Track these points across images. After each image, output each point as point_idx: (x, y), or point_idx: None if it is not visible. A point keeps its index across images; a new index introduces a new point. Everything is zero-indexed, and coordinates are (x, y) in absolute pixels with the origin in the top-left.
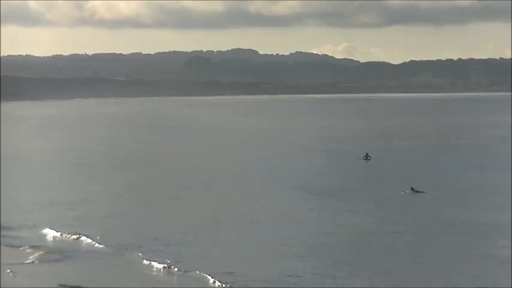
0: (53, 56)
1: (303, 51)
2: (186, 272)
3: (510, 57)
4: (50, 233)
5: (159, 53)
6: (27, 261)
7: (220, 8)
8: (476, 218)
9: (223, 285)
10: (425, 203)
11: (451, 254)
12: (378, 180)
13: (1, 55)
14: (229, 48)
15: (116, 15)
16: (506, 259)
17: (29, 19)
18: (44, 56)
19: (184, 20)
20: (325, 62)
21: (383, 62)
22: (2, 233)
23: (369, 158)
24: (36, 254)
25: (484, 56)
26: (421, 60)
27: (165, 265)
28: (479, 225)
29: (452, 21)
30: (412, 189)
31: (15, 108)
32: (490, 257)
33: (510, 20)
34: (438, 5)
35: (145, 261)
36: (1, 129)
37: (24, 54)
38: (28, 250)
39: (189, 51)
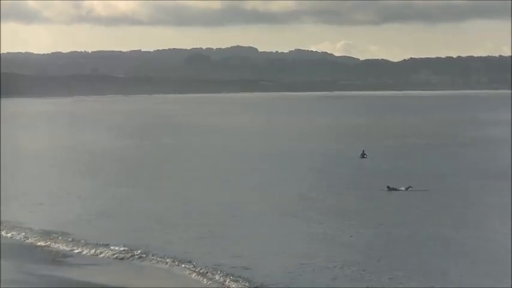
0: (52, 53)
1: (302, 48)
2: (193, 269)
3: (509, 54)
4: (50, 232)
5: (158, 50)
6: (27, 260)
7: (216, 5)
8: (458, 222)
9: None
10: (395, 203)
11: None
12: (366, 179)
13: (1, 52)
14: (229, 46)
15: (113, 13)
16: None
17: (26, 16)
18: (44, 53)
19: (181, 18)
20: (325, 60)
21: (382, 60)
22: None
23: (365, 156)
24: (37, 253)
25: (483, 54)
26: (421, 58)
27: (171, 263)
28: (455, 230)
29: (447, 19)
30: (388, 187)
31: (13, 105)
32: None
33: (510, 17)
34: (432, 3)
35: (148, 262)
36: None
37: (23, 51)
38: (28, 248)
39: (189, 48)
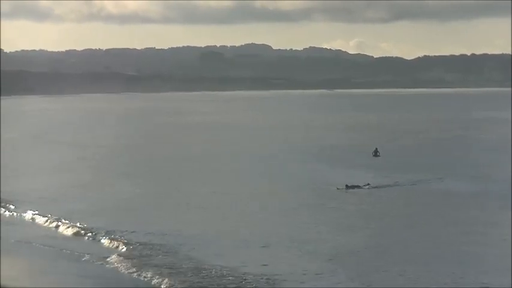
0: (66, 50)
1: (316, 46)
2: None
3: None
4: (51, 227)
5: (172, 48)
6: (27, 256)
7: (226, 4)
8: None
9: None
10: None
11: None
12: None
13: (14, 50)
14: (243, 43)
15: (124, 11)
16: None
17: (37, 14)
18: (58, 51)
19: (192, 16)
20: (339, 57)
21: (396, 58)
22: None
23: (378, 154)
24: (38, 249)
25: (497, 52)
26: (435, 56)
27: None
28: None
29: (459, 17)
30: (346, 186)
31: (23, 103)
32: None
33: None
34: (444, 1)
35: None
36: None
37: (37, 49)
38: (28, 244)
39: (203, 46)
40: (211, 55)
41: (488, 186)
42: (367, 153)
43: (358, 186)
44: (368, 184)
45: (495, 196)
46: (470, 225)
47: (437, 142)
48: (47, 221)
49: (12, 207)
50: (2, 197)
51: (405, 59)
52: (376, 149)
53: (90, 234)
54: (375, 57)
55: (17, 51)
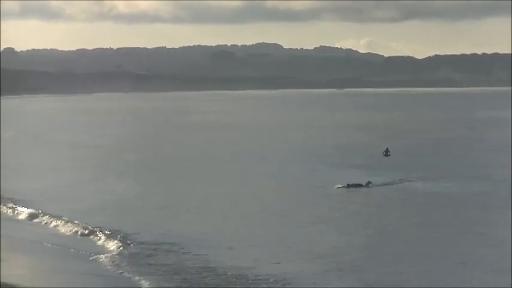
0: (77, 50)
1: (327, 45)
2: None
3: None
4: (53, 226)
5: (183, 47)
6: (26, 255)
7: (237, 2)
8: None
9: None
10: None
11: None
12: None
13: (25, 49)
14: (254, 43)
15: (134, 11)
16: None
17: (48, 14)
18: (69, 50)
19: (202, 16)
20: (349, 57)
21: (407, 57)
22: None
23: (388, 154)
24: (39, 247)
25: (508, 51)
26: (445, 55)
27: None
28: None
29: (470, 16)
30: (347, 185)
31: (33, 102)
32: None
33: None
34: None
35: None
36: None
37: (48, 48)
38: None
39: (213, 45)
40: (222, 54)
41: (488, 186)
42: (377, 153)
43: (360, 185)
44: (369, 182)
45: (495, 196)
46: (470, 225)
47: (447, 142)
48: (47, 219)
49: (12, 205)
50: (3, 195)
51: (416, 59)
52: (387, 148)
53: (90, 233)
54: (385, 56)
55: (28, 50)
